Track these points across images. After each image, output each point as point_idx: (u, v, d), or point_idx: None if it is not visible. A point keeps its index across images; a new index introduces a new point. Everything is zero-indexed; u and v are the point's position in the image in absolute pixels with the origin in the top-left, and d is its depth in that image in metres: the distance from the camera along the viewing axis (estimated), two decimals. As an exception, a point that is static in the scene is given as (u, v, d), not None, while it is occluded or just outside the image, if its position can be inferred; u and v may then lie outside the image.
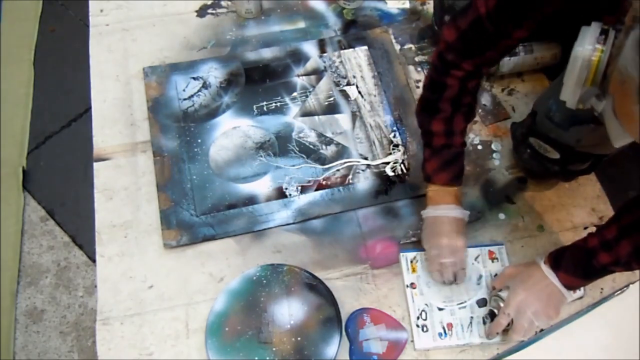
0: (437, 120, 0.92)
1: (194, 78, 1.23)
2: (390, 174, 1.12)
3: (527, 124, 1.04)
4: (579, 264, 0.85)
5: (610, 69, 0.59)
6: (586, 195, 1.11)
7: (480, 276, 1.00)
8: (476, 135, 1.18)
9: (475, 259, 1.02)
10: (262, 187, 1.09)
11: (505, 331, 0.92)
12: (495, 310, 0.93)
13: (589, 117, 0.87)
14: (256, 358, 0.91)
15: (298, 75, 1.24)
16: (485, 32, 0.79)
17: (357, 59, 1.27)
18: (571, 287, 0.87)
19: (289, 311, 0.95)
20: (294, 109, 1.20)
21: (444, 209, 0.95)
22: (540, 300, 0.87)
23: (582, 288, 0.96)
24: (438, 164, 0.95)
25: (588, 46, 0.62)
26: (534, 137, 1.01)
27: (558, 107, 0.93)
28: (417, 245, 1.04)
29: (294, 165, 1.12)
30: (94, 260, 1.08)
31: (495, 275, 1.00)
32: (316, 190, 1.09)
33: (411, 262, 1.01)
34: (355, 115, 1.19)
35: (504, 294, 0.92)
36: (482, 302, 0.98)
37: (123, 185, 1.10)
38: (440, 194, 0.96)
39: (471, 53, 0.84)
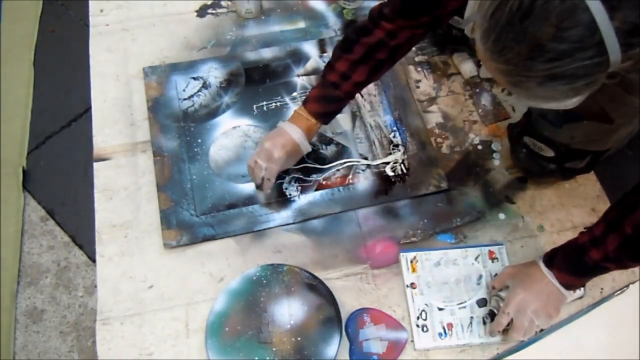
0: (343, 59, 0.94)
1: (194, 78, 1.23)
2: (390, 174, 1.12)
3: (522, 123, 1.04)
4: (571, 262, 0.85)
5: None
6: (586, 195, 1.11)
7: (480, 276, 1.00)
8: (476, 135, 1.18)
9: (475, 259, 1.02)
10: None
11: (506, 331, 0.92)
12: (495, 310, 0.93)
13: (581, 114, 0.88)
14: (256, 358, 0.91)
15: (298, 75, 1.24)
16: None
17: (357, 59, 1.27)
18: (568, 285, 0.87)
19: (289, 311, 0.95)
20: (294, 109, 1.19)
21: (292, 128, 1.00)
22: (540, 299, 0.87)
23: (582, 288, 0.96)
24: (318, 94, 0.99)
25: None
26: (528, 137, 1.01)
27: None
28: (417, 245, 1.04)
29: (293, 165, 1.12)
30: (94, 260, 1.08)
31: (495, 275, 1.00)
32: (316, 190, 1.09)
33: (411, 262, 1.01)
34: (355, 115, 1.19)
35: (503, 294, 0.92)
36: (482, 302, 0.98)
37: (123, 185, 1.10)
38: (301, 117, 1.00)
39: (407, 12, 0.87)
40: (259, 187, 1.03)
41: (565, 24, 0.52)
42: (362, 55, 0.93)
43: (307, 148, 1.02)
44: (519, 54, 0.55)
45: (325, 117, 1.02)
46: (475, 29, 0.60)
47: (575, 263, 0.85)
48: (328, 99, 0.99)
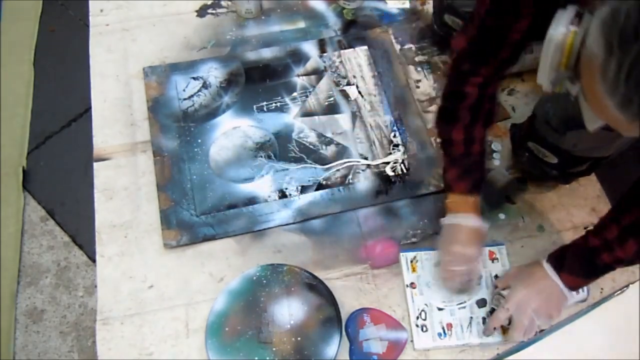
0: (456, 128, 0.90)
1: (194, 78, 1.23)
2: (390, 173, 1.12)
3: (526, 127, 1.04)
4: (582, 265, 0.85)
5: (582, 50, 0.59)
6: (586, 195, 1.11)
7: (480, 276, 1.00)
8: (476, 135, 1.17)
9: (475, 259, 1.02)
10: (262, 187, 1.10)
11: (506, 331, 0.92)
12: (497, 309, 0.93)
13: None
14: (256, 358, 0.91)
15: (298, 75, 1.24)
16: (490, 31, 0.79)
17: (357, 58, 1.27)
18: (573, 287, 0.87)
19: (289, 311, 0.95)
20: (294, 109, 1.20)
21: (462, 218, 0.93)
22: (542, 298, 0.87)
23: (584, 289, 0.96)
24: (458, 172, 0.94)
25: (562, 28, 0.60)
26: (532, 142, 1.01)
27: (555, 111, 0.93)
28: (417, 245, 1.04)
29: (294, 166, 1.12)
30: (94, 260, 1.08)
31: (496, 276, 1.00)
32: (316, 190, 1.09)
33: (411, 262, 1.01)
34: (355, 115, 1.19)
35: (506, 293, 0.92)
36: (481, 303, 0.98)
37: (123, 185, 1.10)
38: (459, 202, 0.94)
39: (484, 58, 0.84)
40: (462, 291, 0.97)
41: None
42: (471, 117, 0.89)
43: (484, 226, 0.94)
44: None
45: (477, 187, 0.94)
46: (594, 95, 0.54)
47: (585, 265, 0.85)
48: (468, 170, 0.93)
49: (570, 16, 0.61)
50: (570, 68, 0.61)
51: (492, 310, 0.94)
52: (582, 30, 0.58)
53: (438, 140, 0.97)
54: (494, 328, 0.92)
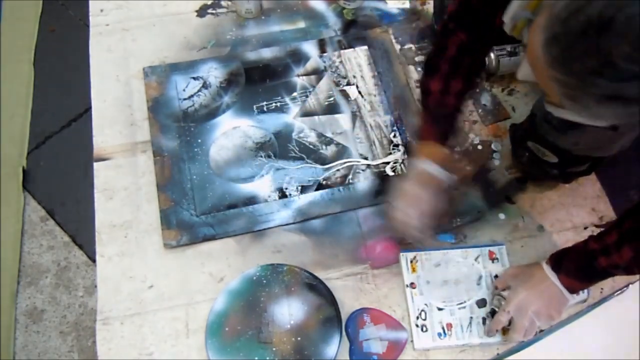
0: (435, 79, 0.92)
1: (194, 78, 1.23)
2: (391, 173, 1.12)
3: (525, 127, 1.04)
4: (580, 267, 0.85)
5: None
6: (586, 195, 1.11)
7: (480, 276, 1.00)
8: (476, 135, 1.18)
9: (476, 259, 1.02)
10: (262, 187, 1.10)
11: (506, 331, 0.92)
12: (497, 310, 0.93)
13: None
14: (256, 358, 0.91)
15: (298, 75, 1.24)
16: (482, 3, 0.82)
17: (357, 58, 1.27)
18: (572, 289, 0.87)
19: (289, 311, 0.95)
20: (294, 109, 1.20)
21: (428, 164, 0.91)
22: (542, 300, 0.87)
23: (585, 290, 0.96)
24: (428, 120, 0.95)
25: None
26: (532, 141, 1.01)
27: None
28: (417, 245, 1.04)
29: (294, 165, 1.12)
30: (94, 260, 1.08)
31: (496, 276, 1.00)
32: (316, 190, 1.09)
33: (411, 262, 1.01)
34: (355, 115, 1.19)
35: (506, 294, 0.92)
36: (481, 303, 0.98)
37: (123, 185, 1.10)
38: (426, 149, 0.93)
39: (468, 21, 0.86)
40: (411, 238, 0.96)
41: None
42: (450, 69, 0.90)
43: (448, 177, 0.92)
44: (586, 67, 0.51)
45: (446, 137, 0.94)
46: (534, 30, 0.56)
47: (583, 269, 0.85)
48: (439, 119, 0.94)
49: None
50: (535, 13, 0.61)
51: (492, 311, 0.94)
52: None
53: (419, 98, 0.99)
54: (496, 330, 0.92)
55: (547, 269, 0.88)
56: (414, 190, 0.91)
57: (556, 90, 0.56)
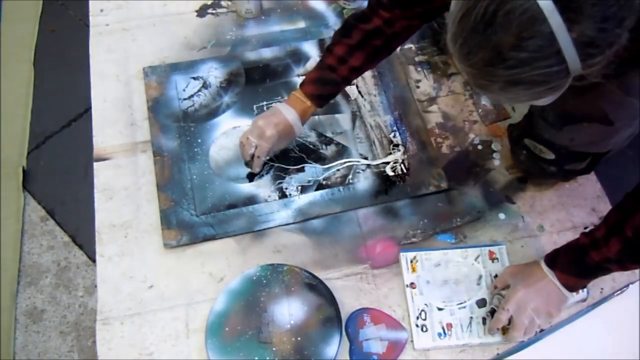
0: (341, 43, 0.96)
1: (194, 78, 1.23)
2: (390, 173, 1.12)
3: (522, 125, 1.04)
4: (572, 263, 0.85)
5: None
6: (586, 195, 1.11)
7: (480, 276, 1.00)
8: (476, 135, 1.18)
9: (476, 259, 1.02)
10: (262, 187, 1.10)
11: (506, 330, 0.92)
12: (497, 309, 0.93)
13: (581, 116, 0.88)
14: (256, 358, 0.91)
15: (298, 75, 1.24)
16: None
17: (357, 59, 1.27)
18: (569, 286, 0.87)
19: (289, 311, 0.95)
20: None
21: (286, 108, 1.02)
22: (541, 297, 0.87)
23: (585, 290, 0.96)
24: (315, 76, 1.01)
25: None
26: (529, 139, 1.01)
27: (551, 107, 0.93)
28: (417, 245, 1.04)
29: (294, 165, 1.12)
30: (94, 260, 1.08)
31: (496, 276, 1.00)
32: (316, 190, 1.09)
33: (411, 262, 1.01)
34: (355, 115, 1.19)
35: (505, 293, 0.92)
36: (481, 303, 0.98)
37: (123, 185, 1.10)
38: (296, 99, 1.02)
39: (401, 2, 0.90)
40: (247, 164, 1.07)
41: (525, 34, 0.55)
42: (359, 41, 0.95)
43: (300, 130, 1.04)
44: (482, 59, 0.58)
45: (320, 99, 1.03)
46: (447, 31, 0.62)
47: (576, 264, 0.85)
48: (324, 81, 1.00)
49: None
50: None
51: (492, 311, 0.94)
52: None
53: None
54: (497, 329, 0.92)
55: (544, 267, 0.88)
56: (266, 128, 1.01)
57: (469, 80, 0.63)
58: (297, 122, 1.02)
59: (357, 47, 0.95)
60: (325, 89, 1.02)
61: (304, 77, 1.02)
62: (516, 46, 0.55)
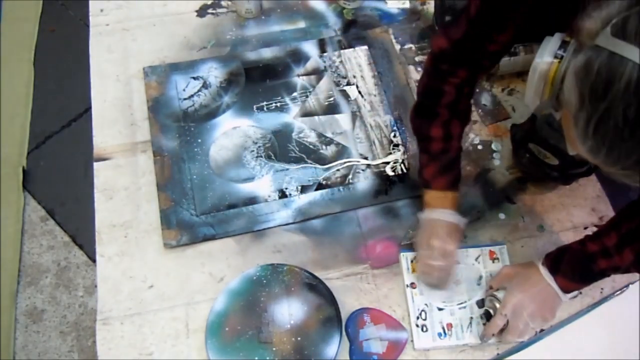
0: (435, 125, 0.92)
1: (194, 78, 1.23)
2: (390, 173, 1.12)
3: (527, 128, 1.04)
4: (578, 269, 0.85)
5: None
6: (586, 195, 1.11)
7: (481, 277, 1.00)
8: (476, 135, 1.18)
9: (476, 259, 1.02)
10: (262, 187, 1.10)
11: (501, 332, 0.92)
12: (491, 311, 0.93)
13: None
14: (256, 358, 0.91)
15: (298, 75, 1.24)
16: (473, 39, 0.80)
17: (357, 58, 1.27)
18: (568, 290, 0.87)
19: (289, 311, 0.95)
20: (294, 109, 1.20)
21: (440, 213, 0.94)
22: (537, 302, 0.87)
23: None
24: (436, 169, 0.95)
25: (547, 58, 0.60)
26: (533, 143, 1.00)
27: None
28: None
29: (294, 165, 1.12)
30: (94, 260, 1.09)
31: (496, 275, 0.99)
32: (316, 190, 1.09)
33: (411, 262, 1.01)
34: (355, 115, 1.19)
35: (500, 294, 0.92)
36: (481, 303, 0.98)
37: (123, 185, 1.10)
38: (437, 198, 0.95)
39: (464, 62, 0.85)
40: (436, 286, 0.98)
41: None
42: (449, 114, 0.91)
43: (462, 221, 0.96)
44: (636, 162, 0.53)
45: (456, 183, 0.96)
46: (572, 139, 0.57)
47: (581, 271, 0.85)
48: (447, 167, 0.95)
49: (555, 45, 0.61)
50: (554, 97, 0.62)
51: (487, 312, 0.94)
52: (566, 60, 0.58)
53: (415, 137, 1.00)
54: (492, 334, 0.92)
55: (543, 271, 0.88)
56: (445, 245, 0.93)
57: (624, 180, 0.57)
58: (457, 217, 0.94)
59: (450, 120, 0.91)
60: (454, 171, 0.96)
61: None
62: None
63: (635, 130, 0.50)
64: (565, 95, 0.55)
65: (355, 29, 1.33)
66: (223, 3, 1.36)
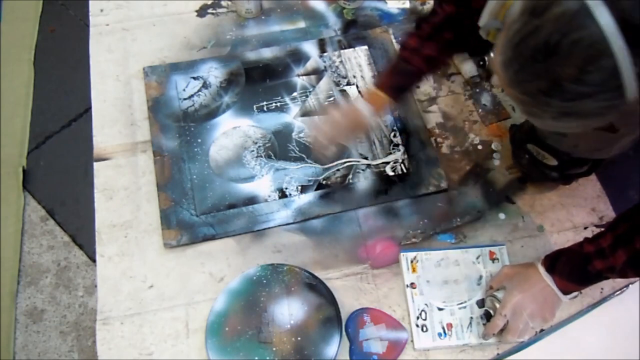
0: (413, 36, 0.96)
1: (194, 78, 1.23)
2: (390, 173, 1.12)
3: (525, 129, 1.04)
4: (574, 269, 0.85)
5: None
6: (586, 195, 1.11)
7: (481, 276, 1.00)
8: (476, 135, 1.18)
9: (476, 259, 1.02)
10: (262, 187, 1.10)
11: (500, 332, 0.92)
12: (491, 311, 0.93)
13: None
14: (256, 358, 0.91)
15: (298, 75, 1.24)
16: None
17: (357, 58, 1.27)
18: (566, 291, 0.87)
19: (289, 311, 0.95)
20: (294, 108, 1.20)
21: (362, 102, 0.99)
22: (536, 302, 0.87)
23: None
24: (389, 70, 1.00)
25: None
26: (532, 144, 1.00)
27: None
28: (417, 245, 1.04)
29: (294, 165, 1.12)
30: (94, 260, 1.08)
31: (495, 275, 0.99)
32: (316, 190, 1.09)
33: (411, 262, 1.01)
34: (355, 115, 1.19)
35: (499, 294, 0.92)
36: (481, 303, 0.98)
37: (123, 185, 1.10)
38: (372, 94, 1.00)
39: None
40: (319, 154, 1.07)
41: (588, 68, 0.53)
42: (430, 32, 0.93)
43: (373, 121, 1.01)
44: (538, 88, 0.56)
45: (395, 90, 0.99)
46: (495, 52, 0.60)
47: (577, 271, 0.85)
48: (398, 72, 0.98)
49: None
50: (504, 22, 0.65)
51: (486, 312, 0.94)
52: None
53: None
54: (493, 334, 0.92)
55: (542, 271, 0.88)
56: (338, 116, 1.00)
57: (518, 106, 0.61)
58: (370, 112, 0.99)
59: (428, 38, 0.94)
60: (400, 79, 0.99)
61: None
62: (578, 79, 0.53)
63: (550, 55, 0.53)
64: (511, 11, 0.59)
65: (355, 29, 1.33)
66: (223, 3, 1.36)
